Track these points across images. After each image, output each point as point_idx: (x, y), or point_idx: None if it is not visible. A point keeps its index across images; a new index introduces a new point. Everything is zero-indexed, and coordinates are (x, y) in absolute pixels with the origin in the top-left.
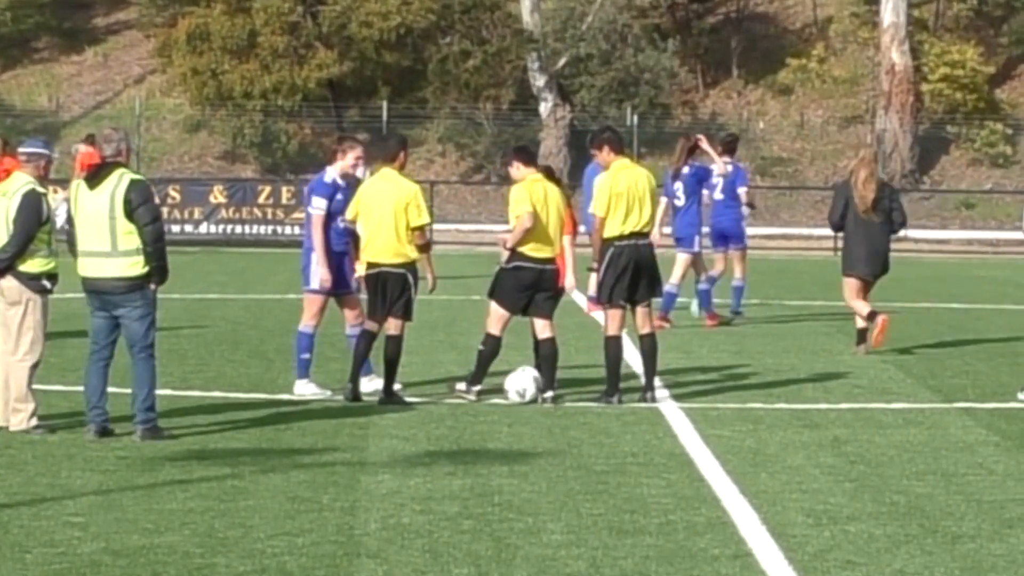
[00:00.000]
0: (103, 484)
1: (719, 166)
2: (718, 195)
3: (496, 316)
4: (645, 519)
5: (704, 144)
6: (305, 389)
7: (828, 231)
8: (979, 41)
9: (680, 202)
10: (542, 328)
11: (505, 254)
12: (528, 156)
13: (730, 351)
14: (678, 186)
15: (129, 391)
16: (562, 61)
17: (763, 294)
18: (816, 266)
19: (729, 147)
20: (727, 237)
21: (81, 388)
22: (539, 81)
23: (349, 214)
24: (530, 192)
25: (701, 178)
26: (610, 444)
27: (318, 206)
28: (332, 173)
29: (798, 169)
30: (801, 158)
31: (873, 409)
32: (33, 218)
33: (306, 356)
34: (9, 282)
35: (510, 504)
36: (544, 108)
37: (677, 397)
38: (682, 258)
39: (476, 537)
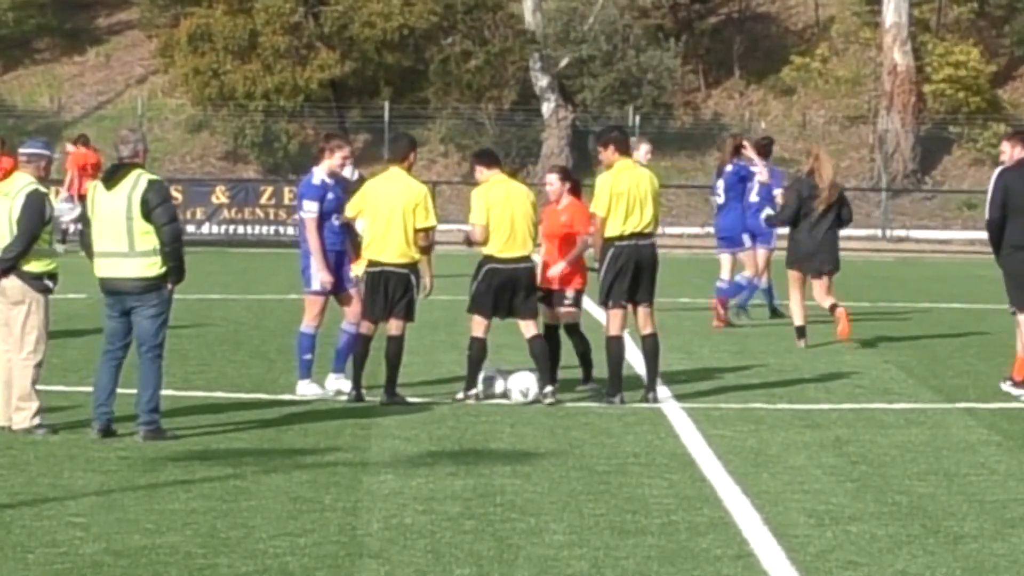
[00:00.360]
0: (105, 484)
1: (762, 174)
2: (753, 197)
3: (477, 321)
4: (647, 519)
5: (748, 151)
6: (307, 390)
7: None
8: (981, 42)
9: (720, 200)
10: (526, 328)
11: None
12: (490, 159)
13: (732, 351)
14: (720, 184)
15: (132, 391)
16: (564, 62)
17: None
18: None
19: (764, 150)
20: (754, 235)
21: (82, 388)
22: (541, 81)
23: (350, 211)
24: (487, 196)
25: (743, 176)
26: (612, 444)
27: (310, 209)
28: (320, 174)
29: (800, 170)
30: (803, 158)
31: (875, 409)
32: (37, 218)
33: (308, 357)
34: (12, 282)
35: (512, 504)
36: (546, 109)
37: (679, 397)
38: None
39: (478, 537)
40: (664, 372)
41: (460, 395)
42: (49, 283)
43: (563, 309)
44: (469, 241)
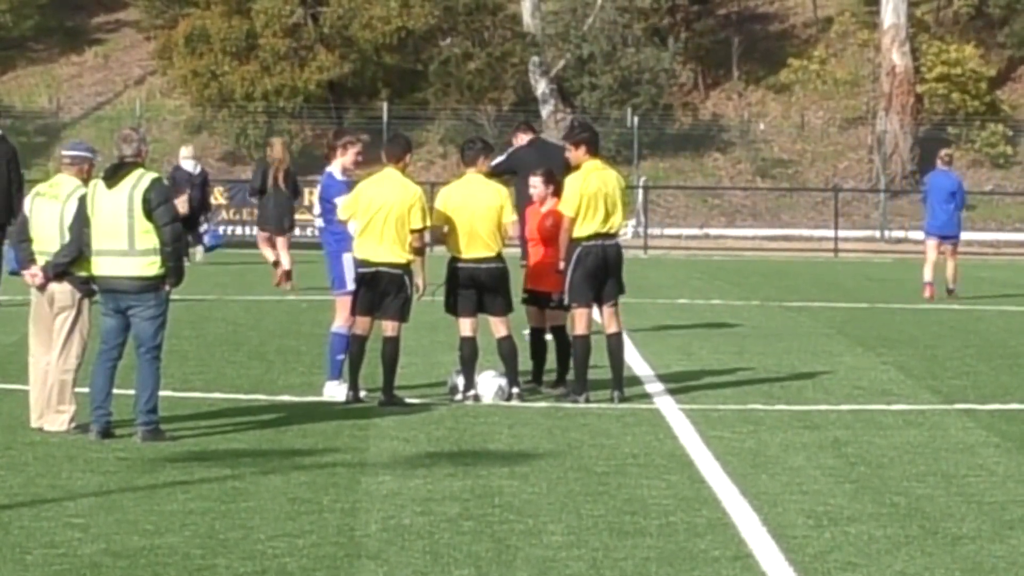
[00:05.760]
0: (104, 485)
1: None
2: None
3: (460, 321)
4: (645, 520)
5: None
6: (336, 391)
7: (829, 232)
8: (979, 42)
9: None
10: (495, 327)
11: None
12: (467, 154)
13: (730, 352)
14: None
15: (130, 392)
16: (561, 63)
17: (763, 295)
18: (816, 267)
19: None
20: None
21: (82, 389)
22: (540, 83)
23: (344, 214)
24: (446, 199)
25: None
26: (610, 445)
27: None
28: (338, 171)
29: (798, 170)
30: (802, 159)
31: (873, 410)
32: (83, 222)
33: (341, 357)
34: (63, 287)
35: (510, 505)
36: (545, 110)
37: (678, 398)
38: None
39: (476, 538)
40: (663, 373)
41: (458, 396)
42: (94, 286)
43: (550, 311)
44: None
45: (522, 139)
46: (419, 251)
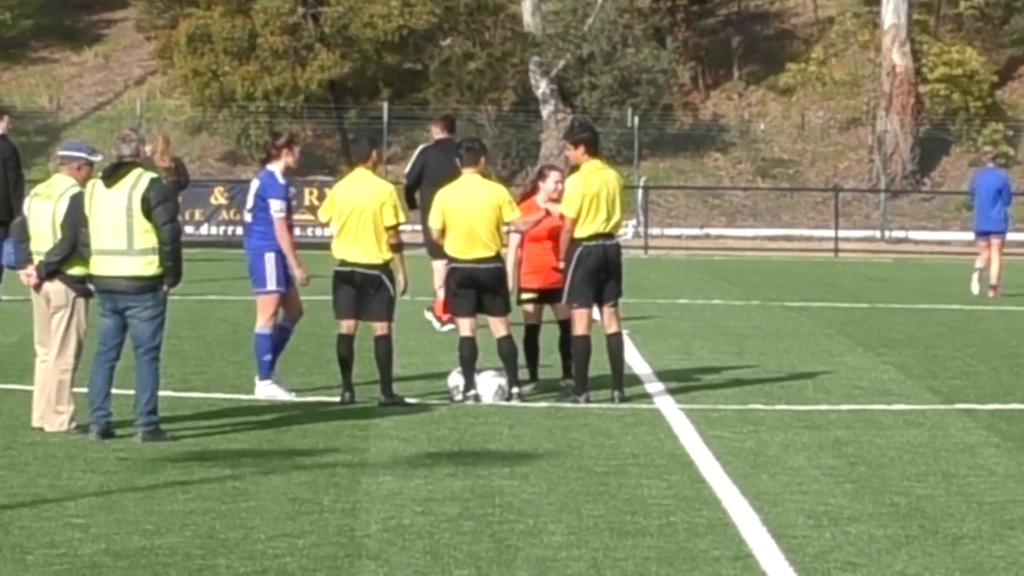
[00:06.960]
0: (104, 485)
1: None
2: None
3: (460, 322)
4: (646, 520)
5: None
6: (269, 391)
7: (829, 232)
8: (980, 42)
9: None
10: (495, 327)
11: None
12: (465, 155)
13: (731, 352)
14: None
15: (130, 392)
16: (561, 63)
17: (763, 295)
18: (817, 267)
19: None
20: None
21: (82, 389)
22: (541, 83)
23: (323, 216)
24: (444, 200)
25: None
26: (611, 445)
27: (280, 209)
28: (279, 171)
29: (799, 170)
30: (802, 159)
31: (874, 410)
32: (81, 221)
33: (268, 358)
34: (56, 286)
35: (511, 505)
36: (545, 110)
37: (678, 398)
38: None
39: (477, 538)
40: (663, 372)
41: (458, 396)
42: (91, 286)
43: (560, 305)
44: (430, 243)
45: (435, 133)
46: (396, 248)
